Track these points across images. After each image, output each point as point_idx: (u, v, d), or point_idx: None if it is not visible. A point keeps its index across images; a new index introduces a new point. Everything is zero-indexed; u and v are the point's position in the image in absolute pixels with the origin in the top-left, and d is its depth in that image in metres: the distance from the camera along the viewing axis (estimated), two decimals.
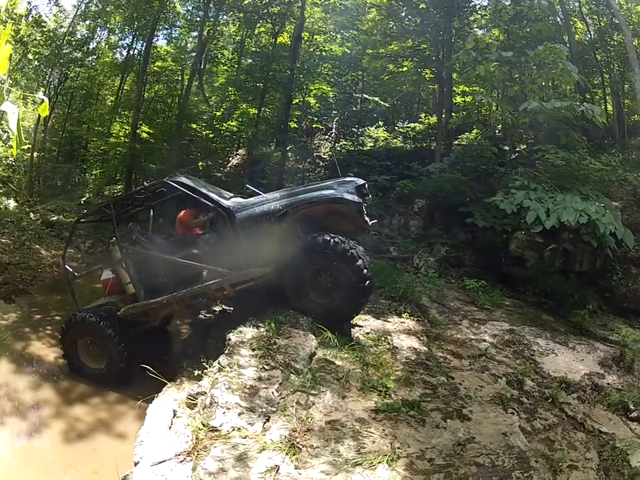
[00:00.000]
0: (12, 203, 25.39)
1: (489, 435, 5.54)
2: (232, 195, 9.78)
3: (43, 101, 3.89)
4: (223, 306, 11.43)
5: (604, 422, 6.30)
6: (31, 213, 23.57)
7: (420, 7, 20.76)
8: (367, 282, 8.13)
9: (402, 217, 17.00)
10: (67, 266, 10.38)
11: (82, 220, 11.53)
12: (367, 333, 8.53)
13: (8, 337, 10.64)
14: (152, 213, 11.07)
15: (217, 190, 9.71)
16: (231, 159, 28.27)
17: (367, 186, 9.13)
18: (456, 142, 21.56)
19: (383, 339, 8.31)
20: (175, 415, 6.15)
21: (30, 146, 29.46)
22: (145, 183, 11.39)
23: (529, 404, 6.55)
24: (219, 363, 6.72)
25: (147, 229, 10.49)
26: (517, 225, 12.50)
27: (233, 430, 5.18)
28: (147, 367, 6.76)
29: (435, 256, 13.90)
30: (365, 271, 8.04)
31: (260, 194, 9.40)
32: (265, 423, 5.39)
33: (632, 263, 12.17)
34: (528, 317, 10.65)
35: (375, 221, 9.59)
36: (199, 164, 26.41)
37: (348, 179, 9.53)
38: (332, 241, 7.98)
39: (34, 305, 12.97)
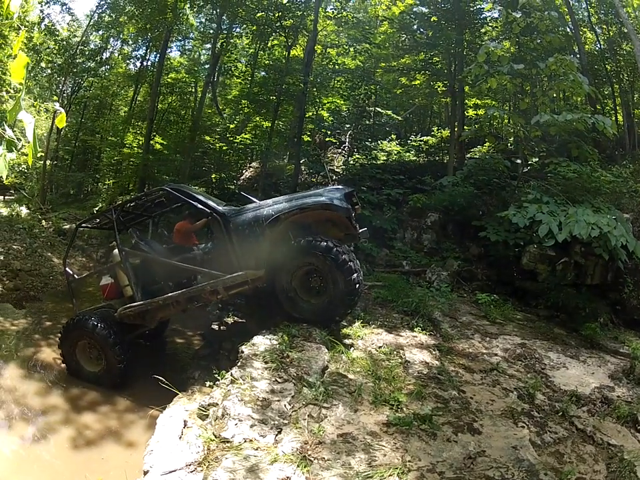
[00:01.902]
0: (24, 210, 25.58)
1: (499, 449, 5.55)
2: (226, 203, 10.12)
3: (59, 112, 3.95)
4: (236, 318, 11.49)
5: (613, 434, 6.29)
6: (43, 221, 23.75)
7: (432, 19, 20.86)
8: (356, 295, 8.57)
9: (415, 230, 16.97)
10: (67, 268, 10.56)
11: (83, 225, 11.68)
12: (380, 347, 8.51)
13: (18, 342, 10.79)
14: (152, 221, 11.48)
15: (212, 198, 9.98)
16: (244, 171, 28.34)
17: (356, 194, 9.50)
18: (468, 155, 21.58)
19: (395, 352, 8.30)
20: (185, 425, 6.22)
21: (43, 154, 29.68)
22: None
23: (539, 417, 6.54)
24: (231, 374, 6.74)
25: (147, 235, 10.78)
26: (530, 239, 12.49)
27: (245, 441, 5.20)
28: (158, 377, 6.81)
29: (448, 270, 13.87)
30: (357, 285, 8.40)
31: (254, 201, 9.62)
32: (277, 435, 5.41)
33: None
34: (539, 330, 10.61)
35: (365, 229, 9.73)
36: (212, 176, 26.48)
37: (337, 187, 9.87)
38: (335, 249, 8.23)
39: (44, 311, 13.10)
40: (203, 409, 6.45)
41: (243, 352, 7.38)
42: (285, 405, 5.94)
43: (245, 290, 9.01)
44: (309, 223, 8.93)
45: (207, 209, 9.13)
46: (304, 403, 6.07)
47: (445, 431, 5.82)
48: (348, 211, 8.77)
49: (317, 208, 8.71)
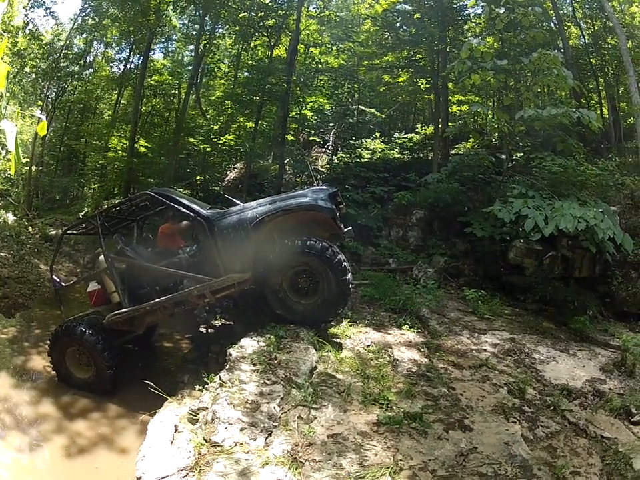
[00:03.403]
0: (11, 217, 25.39)
1: (491, 445, 5.54)
2: (210, 206, 10.03)
3: (40, 119, 3.91)
4: (223, 320, 11.45)
5: (606, 427, 6.29)
6: (30, 227, 23.66)
7: (415, 17, 20.85)
8: (348, 295, 8.87)
9: (400, 228, 16.94)
10: (54, 276, 10.62)
11: (68, 231, 11.68)
12: (368, 346, 8.51)
13: (8, 351, 10.66)
14: (136, 225, 11.37)
15: (196, 201, 9.97)
16: (228, 172, 28.23)
17: (340, 194, 9.54)
18: (453, 151, 21.62)
19: (383, 351, 8.29)
20: (176, 430, 6.19)
21: (28, 160, 29.52)
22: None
23: (530, 412, 6.55)
24: (220, 378, 6.75)
25: (131, 240, 10.72)
26: (516, 234, 12.50)
27: (235, 445, 5.19)
28: (148, 382, 6.82)
29: (434, 267, 13.89)
30: (350, 285, 8.66)
31: (238, 203, 9.61)
32: (267, 437, 5.40)
33: (631, 267, 12.16)
34: (528, 325, 10.65)
35: (350, 228, 9.80)
36: (197, 178, 26.38)
37: (321, 187, 9.92)
38: (330, 249, 8.32)
39: (33, 319, 13.02)
40: (193, 414, 6.41)
41: (230, 355, 7.36)
42: (274, 407, 5.91)
43: (232, 293, 9.03)
44: (294, 224, 8.87)
45: (190, 213, 9.11)
46: (293, 404, 6.05)
47: (435, 428, 5.80)
48: (332, 211, 8.80)
49: (301, 209, 8.73)
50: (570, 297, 11.29)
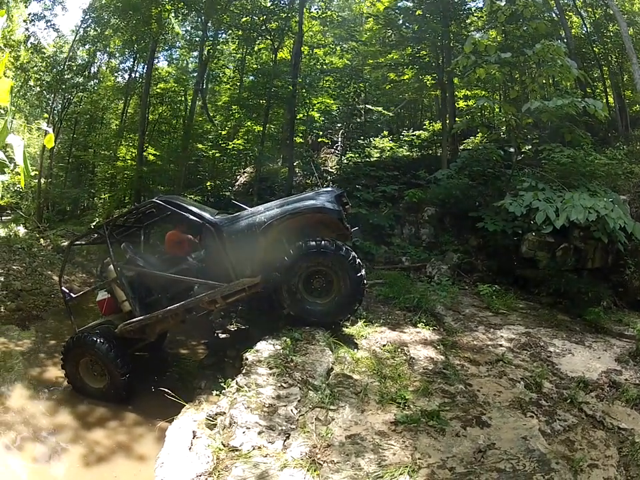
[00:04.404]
0: (22, 230, 25.48)
1: (509, 440, 5.53)
2: (218, 211, 10.10)
3: (47, 132, 3.93)
4: (238, 325, 11.48)
5: (623, 418, 6.27)
6: (41, 239, 23.68)
7: (417, 13, 20.82)
8: (363, 292, 9.06)
9: (412, 226, 16.98)
10: (63, 287, 10.64)
11: (76, 242, 11.84)
12: (384, 345, 8.50)
13: (24, 363, 10.76)
14: (143, 233, 11.46)
15: (204, 207, 10.06)
16: (238, 177, 28.24)
17: (345, 195, 9.61)
18: (461, 147, 21.53)
19: (399, 350, 8.28)
20: (194, 436, 6.19)
21: (37, 172, 29.59)
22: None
23: (547, 406, 6.52)
24: (236, 382, 6.75)
25: (139, 248, 10.79)
26: (527, 227, 12.45)
27: (254, 449, 5.19)
28: (164, 389, 6.89)
29: (448, 263, 13.86)
30: (364, 282, 8.87)
31: (246, 208, 9.62)
32: (285, 440, 5.41)
33: None
34: (543, 318, 10.60)
35: (357, 228, 9.92)
36: (207, 183, 26.34)
37: (327, 189, 10.16)
38: (344, 247, 8.52)
39: (48, 330, 13.05)
40: (211, 419, 6.42)
41: (247, 359, 7.36)
42: (291, 410, 5.92)
43: (243, 297, 9.07)
44: (302, 227, 8.96)
45: (198, 220, 9.13)
46: (310, 406, 6.06)
47: (453, 426, 5.80)
48: (339, 213, 8.93)
49: (309, 212, 8.85)
50: (583, 289, 11.24)
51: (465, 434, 5.65)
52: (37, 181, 30.45)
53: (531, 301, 11.92)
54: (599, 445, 5.72)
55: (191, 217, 9.17)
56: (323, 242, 8.46)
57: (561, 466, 5.16)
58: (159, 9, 24.79)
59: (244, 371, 7.03)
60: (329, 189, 10.03)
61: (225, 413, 6.21)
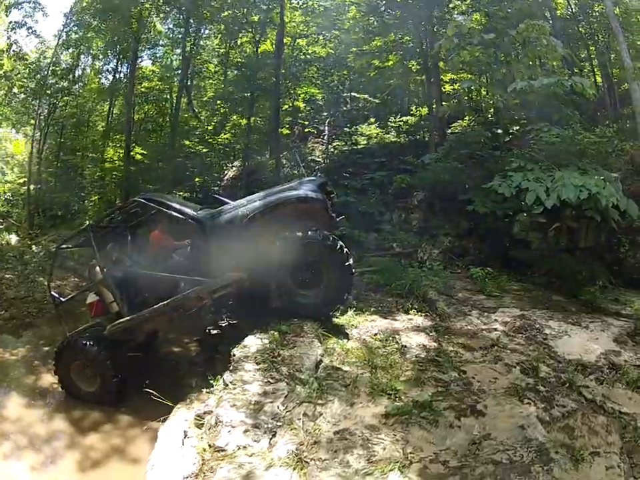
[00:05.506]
0: (14, 238, 25.40)
1: (505, 430, 5.38)
2: (201, 207, 10.04)
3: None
4: (229, 320, 11.35)
5: (624, 402, 6.15)
6: (33, 246, 23.55)
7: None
8: (352, 279, 9.04)
9: (402, 211, 16.95)
10: (52, 293, 10.67)
11: (62, 246, 11.77)
12: (375, 334, 8.38)
13: (18, 371, 10.69)
14: (130, 233, 11.30)
15: (186, 203, 10.07)
16: (227, 171, 28.16)
17: (329, 183, 9.73)
18: (449, 131, 21.41)
19: (391, 338, 8.16)
20: (186, 436, 6.09)
21: (25, 179, 29.48)
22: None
23: (545, 392, 6.35)
24: (223, 380, 6.70)
25: (126, 248, 10.70)
26: (518, 208, 12.37)
27: (239, 449, 5.10)
28: (151, 390, 6.83)
29: (439, 248, 13.88)
30: (353, 270, 8.97)
31: (228, 202, 9.59)
32: (271, 438, 5.30)
33: (637, 232, 11.93)
34: (538, 299, 10.47)
35: (343, 217, 10.02)
36: (196, 180, 26.30)
37: (310, 178, 10.23)
38: (331, 237, 8.57)
39: (41, 337, 12.95)
40: (199, 418, 6.31)
41: (234, 355, 7.31)
42: (277, 407, 5.82)
43: (229, 293, 9.06)
44: (286, 217, 8.86)
45: (181, 216, 9.08)
46: (297, 402, 5.94)
47: (446, 416, 5.64)
48: (323, 202, 8.96)
49: (291, 202, 8.84)
50: (578, 268, 11.14)
51: (459, 424, 5.50)
52: (26, 187, 30.34)
53: (524, 282, 11.80)
54: (600, 431, 5.56)
55: (174, 213, 9.12)
56: (309, 232, 8.42)
57: (561, 455, 5.02)
58: (138, 7, 24.62)
59: (231, 368, 6.98)
60: (312, 178, 9.96)
61: (212, 412, 6.09)
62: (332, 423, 5.46)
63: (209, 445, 5.32)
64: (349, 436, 5.21)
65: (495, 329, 8.70)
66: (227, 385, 6.41)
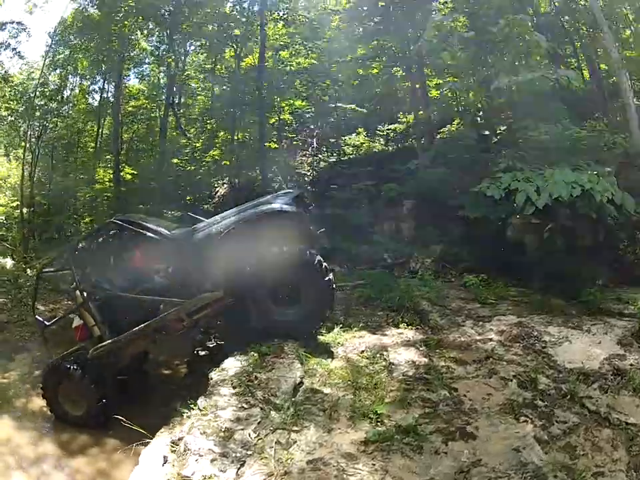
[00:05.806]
0: (9, 262, 25.37)
1: (497, 454, 5.00)
2: (176, 225, 10.03)
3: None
4: (217, 341, 11.12)
5: (630, 411, 5.79)
6: (28, 269, 23.51)
7: (379, 4, 20.43)
8: (333, 295, 8.84)
9: (392, 221, 16.83)
10: (37, 317, 10.80)
11: (44, 270, 12.07)
12: (362, 352, 8.03)
13: (10, 394, 10.77)
14: (108, 255, 11.10)
15: (162, 222, 10.11)
16: (218, 189, 28.05)
17: (306, 194, 9.80)
18: (439, 136, 21.22)
19: (378, 355, 7.81)
20: (165, 461, 5.85)
21: (18, 203, 29.58)
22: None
23: (544, 406, 5.99)
24: (197, 405, 6.54)
25: (106, 271, 10.51)
26: (511, 210, 11.98)
27: (205, 479, 4.91)
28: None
29: (432, 256, 13.74)
30: (334, 285, 8.74)
31: (202, 220, 9.51)
32: (239, 468, 5.07)
33: (636, 227, 11.71)
34: (536, 304, 10.12)
35: (323, 229, 9.75)
36: (187, 198, 26.21)
37: (286, 190, 10.38)
38: (307, 252, 8.36)
39: (34, 361, 12.99)
40: (173, 445, 6.10)
41: (211, 378, 7.15)
42: (249, 434, 5.56)
43: (209, 313, 8.85)
44: (262, 232, 8.62)
45: (156, 236, 8.96)
46: (271, 428, 5.65)
47: (432, 441, 5.25)
48: (299, 215, 8.82)
49: (264, 216, 8.70)
50: (576, 269, 10.83)
51: (445, 450, 5.10)
52: (19, 211, 30.34)
53: (521, 287, 11.49)
54: (604, 446, 5.19)
55: (148, 233, 9.01)
56: (284, 248, 8.23)
57: (560, 479, 4.59)
58: (119, 25, 24.59)
59: (207, 392, 6.79)
60: (288, 190, 9.87)
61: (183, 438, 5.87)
62: (306, 452, 5.13)
63: (177, 474, 5.13)
64: (322, 466, 4.86)
65: (490, 339, 8.34)
66: (201, 411, 6.25)
